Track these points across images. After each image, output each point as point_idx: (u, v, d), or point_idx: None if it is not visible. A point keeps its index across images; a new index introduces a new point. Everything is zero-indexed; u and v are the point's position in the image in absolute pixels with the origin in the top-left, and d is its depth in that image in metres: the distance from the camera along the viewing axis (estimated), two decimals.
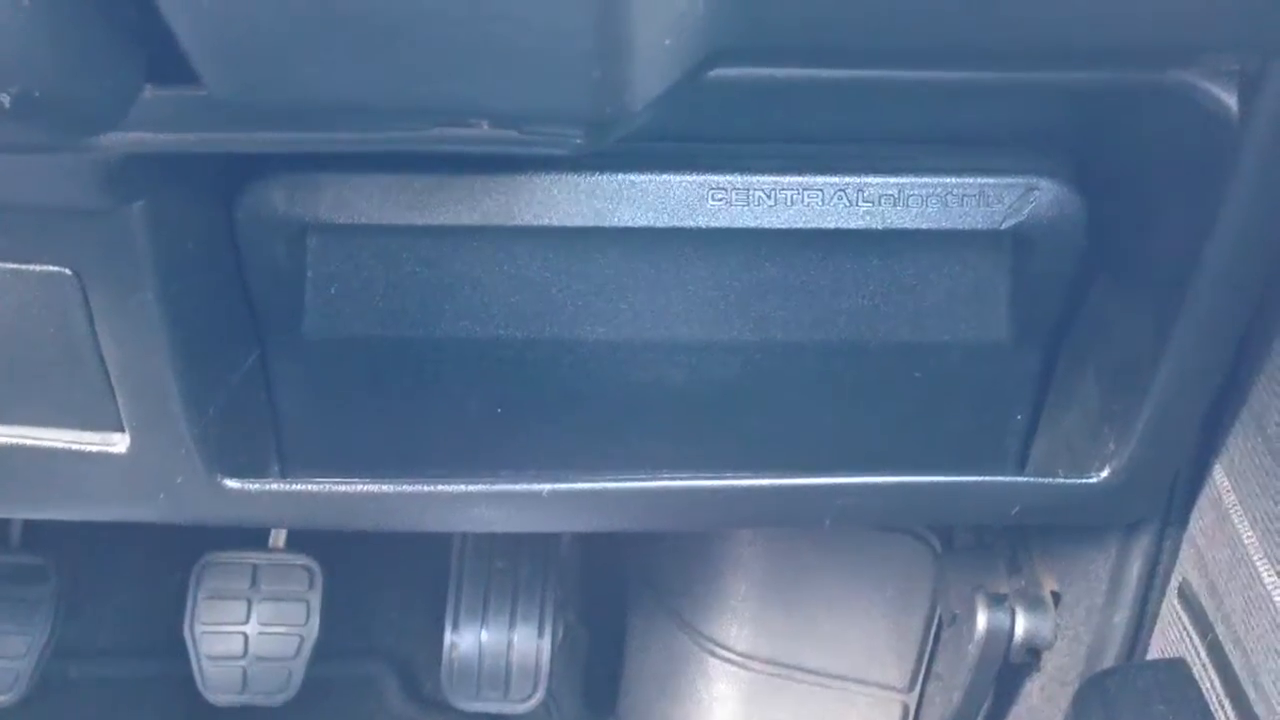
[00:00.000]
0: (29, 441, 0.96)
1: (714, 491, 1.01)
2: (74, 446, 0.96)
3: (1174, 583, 1.09)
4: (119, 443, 0.96)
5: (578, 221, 0.92)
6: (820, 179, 0.92)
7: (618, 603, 1.71)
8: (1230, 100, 0.79)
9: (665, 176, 0.92)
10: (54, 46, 0.54)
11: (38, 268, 0.85)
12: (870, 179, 0.92)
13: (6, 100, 0.52)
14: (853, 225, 0.93)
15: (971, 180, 0.92)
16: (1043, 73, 0.82)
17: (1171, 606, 1.09)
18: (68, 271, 0.85)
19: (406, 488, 0.99)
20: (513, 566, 1.60)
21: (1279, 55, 0.75)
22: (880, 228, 0.93)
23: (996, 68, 0.81)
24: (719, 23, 0.64)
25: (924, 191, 0.92)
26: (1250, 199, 0.82)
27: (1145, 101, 0.84)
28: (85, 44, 0.56)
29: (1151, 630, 1.13)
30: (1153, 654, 1.13)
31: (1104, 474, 1.00)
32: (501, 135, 0.67)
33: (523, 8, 0.55)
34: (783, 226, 0.93)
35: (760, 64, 0.79)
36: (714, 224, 0.93)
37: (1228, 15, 0.72)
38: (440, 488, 0.99)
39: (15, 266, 0.86)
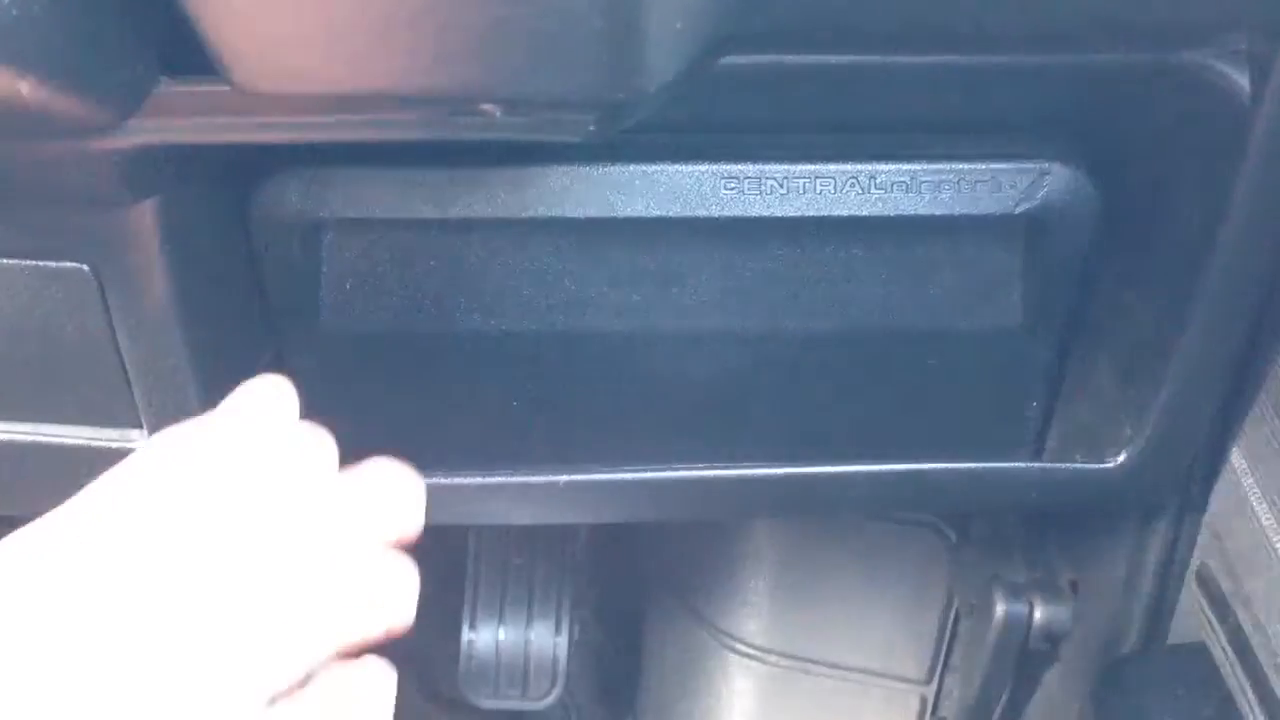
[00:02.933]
0: (47, 439, 0.97)
1: (729, 481, 1.02)
2: (92, 443, 0.96)
3: (1193, 567, 1.08)
4: (137, 439, 0.96)
5: (590, 212, 0.93)
6: (832, 167, 0.92)
7: (634, 599, 1.71)
8: (1242, 81, 0.79)
9: (677, 167, 0.92)
10: (71, 35, 0.54)
11: (54, 264, 0.86)
12: (882, 166, 0.92)
13: (25, 89, 0.53)
14: (865, 213, 0.93)
15: (983, 165, 0.92)
16: (1054, 55, 0.82)
17: (1190, 591, 1.08)
18: (84, 268, 0.86)
19: (424, 481, 0.99)
20: (529, 564, 1.60)
21: None
22: (893, 214, 0.93)
23: (1008, 51, 0.81)
24: (731, 6, 0.64)
25: (936, 177, 0.92)
26: (1263, 180, 0.82)
27: (1157, 83, 0.84)
28: (102, 33, 0.57)
29: (1171, 616, 1.13)
30: (1172, 640, 1.13)
31: (1121, 459, 1.00)
32: (513, 122, 0.68)
33: None
34: (795, 215, 0.93)
35: (771, 50, 0.79)
36: (726, 213, 0.93)
37: None
38: (457, 480, 0.99)
39: (33, 263, 0.86)
